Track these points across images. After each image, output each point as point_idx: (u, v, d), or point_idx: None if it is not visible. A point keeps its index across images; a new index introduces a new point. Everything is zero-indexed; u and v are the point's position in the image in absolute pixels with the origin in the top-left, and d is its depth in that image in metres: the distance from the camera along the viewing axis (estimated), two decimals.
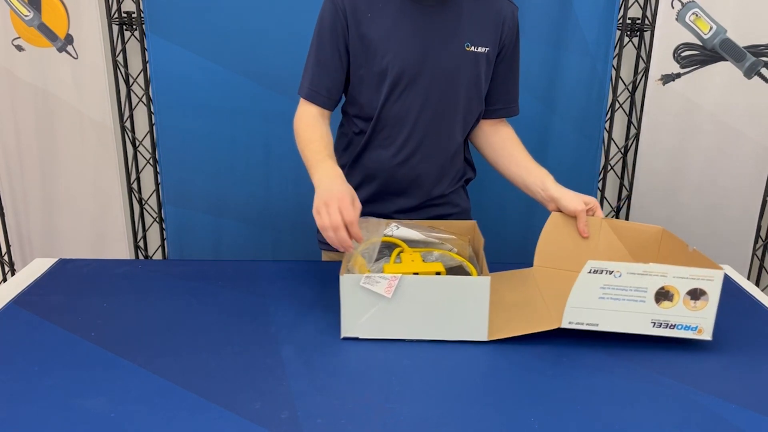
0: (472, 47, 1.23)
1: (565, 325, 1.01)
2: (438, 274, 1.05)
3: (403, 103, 1.25)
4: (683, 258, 1.11)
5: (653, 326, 1.01)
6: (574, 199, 1.24)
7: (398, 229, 1.20)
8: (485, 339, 1.02)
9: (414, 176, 1.32)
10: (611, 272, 0.98)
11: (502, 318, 1.07)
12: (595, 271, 0.98)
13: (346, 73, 1.26)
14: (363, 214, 1.11)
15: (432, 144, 1.30)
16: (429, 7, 1.20)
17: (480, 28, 1.24)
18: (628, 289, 0.99)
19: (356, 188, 1.34)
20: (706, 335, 1.01)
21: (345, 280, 0.99)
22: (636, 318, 1.00)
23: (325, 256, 1.44)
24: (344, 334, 1.03)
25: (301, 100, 1.28)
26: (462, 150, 1.39)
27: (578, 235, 1.26)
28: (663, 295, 0.99)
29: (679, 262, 1.11)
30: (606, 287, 0.99)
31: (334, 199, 1.02)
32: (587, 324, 1.01)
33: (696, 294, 0.99)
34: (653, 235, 1.23)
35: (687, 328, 1.01)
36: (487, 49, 1.25)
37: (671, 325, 1.01)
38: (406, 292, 1.00)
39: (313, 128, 1.23)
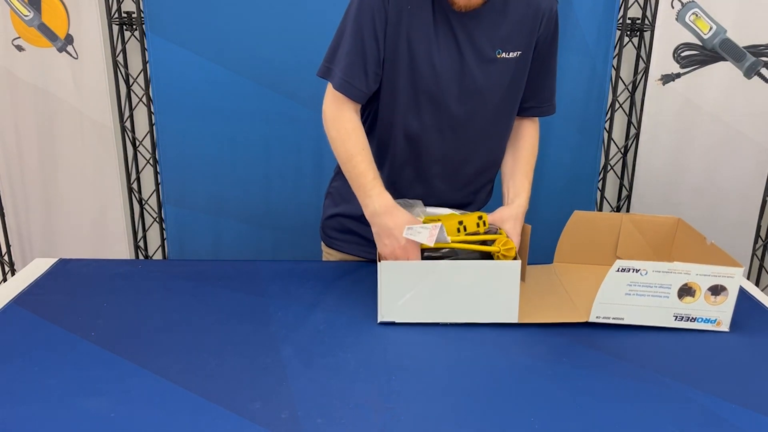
0: (503, 54, 1.18)
1: (592, 319, 1.07)
2: (480, 218, 1.09)
3: (423, 119, 1.20)
4: (700, 250, 1.17)
5: (675, 319, 1.07)
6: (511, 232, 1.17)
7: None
8: (516, 321, 1.07)
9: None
10: (638, 270, 1.03)
11: (531, 306, 1.11)
12: (623, 270, 1.04)
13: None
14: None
15: (455, 164, 1.25)
16: (464, 17, 1.14)
17: (514, 32, 1.17)
18: (653, 286, 1.04)
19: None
20: (724, 327, 1.07)
21: (383, 266, 1.03)
22: (659, 312, 1.06)
23: (326, 255, 1.44)
24: (381, 318, 1.06)
25: (330, 89, 1.17)
26: (491, 179, 1.34)
27: (599, 232, 1.30)
28: (686, 291, 1.05)
29: (696, 254, 1.17)
30: (632, 284, 1.04)
31: (400, 252, 1.07)
32: (613, 318, 1.07)
33: (717, 290, 1.05)
34: (670, 227, 1.28)
35: (707, 320, 1.07)
36: (518, 52, 1.18)
37: (692, 318, 1.07)
38: (441, 277, 1.03)
39: (350, 135, 1.15)
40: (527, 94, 1.27)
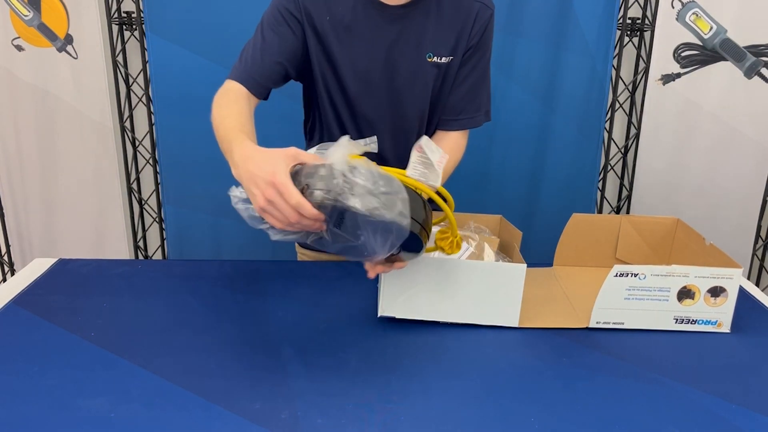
0: (435, 58, 1.16)
1: (592, 324, 1.06)
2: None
3: (354, 114, 1.20)
4: (699, 251, 1.17)
5: (675, 322, 1.06)
6: None
7: None
8: (516, 325, 1.06)
9: None
10: (636, 275, 1.03)
11: (531, 310, 1.10)
12: (621, 275, 1.03)
13: (286, 73, 1.17)
14: None
15: (383, 159, 1.23)
16: (393, 14, 1.13)
17: (446, 36, 1.15)
18: (652, 290, 1.04)
19: None
20: (725, 328, 1.07)
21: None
22: (659, 316, 1.06)
23: (300, 256, 1.43)
24: (381, 313, 1.05)
25: (228, 83, 1.16)
26: None
27: (598, 234, 1.29)
28: (685, 294, 1.04)
29: (696, 255, 1.17)
30: (631, 289, 1.04)
31: (269, 190, 0.79)
32: (614, 323, 1.06)
33: (716, 291, 1.04)
34: (669, 228, 1.28)
35: (707, 322, 1.06)
36: (450, 58, 1.17)
37: (692, 320, 1.06)
38: (445, 275, 1.02)
39: (232, 104, 1.09)
40: (450, 103, 1.23)
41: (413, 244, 0.90)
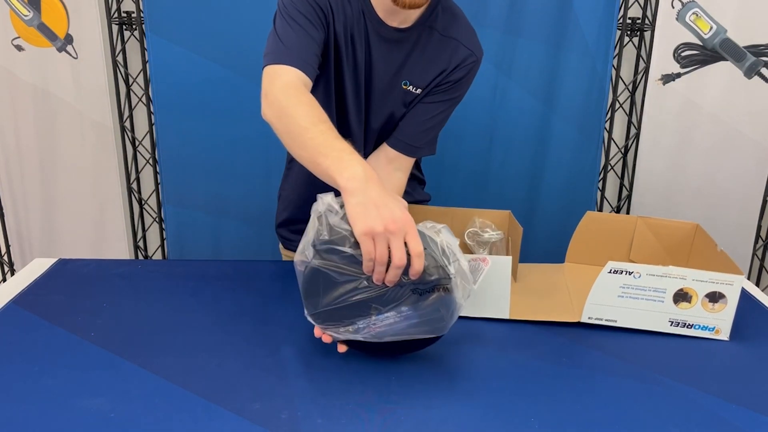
0: (410, 87, 1.17)
1: (584, 319, 1.05)
2: None
3: (339, 112, 1.20)
4: (710, 257, 1.14)
5: (670, 325, 1.04)
6: None
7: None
8: (507, 317, 1.07)
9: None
10: (631, 273, 1.02)
11: (527, 304, 1.10)
12: (615, 271, 1.02)
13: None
14: None
15: None
16: (388, 35, 1.13)
17: (426, 70, 1.16)
18: (646, 290, 1.03)
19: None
20: (723, 336, 1.04)
21: None
22: (654, 317, 1.04)
23: (285, 258, 1.43)
24: None
25: (280, 68, 1.01)
26: None
27: (613, 233, 1.28)
28: (681, 297, 1.02)
29: (706, 261, 1.14)
30: (625, 287, 1.03)
31: (397, 224, 0.79)
32: (606, 320, 1.05)
33: (714, 297, 1.02)
34: (687, 233, 1.25)
35: (704, 328, 1.04)
36: (421, 90, 1.18)
37: (688, 324, 1.04)
38: None
39: (311, 100, 0.96)
40: (403, 127, 1.21)
41: (410, 346, 0.94)
